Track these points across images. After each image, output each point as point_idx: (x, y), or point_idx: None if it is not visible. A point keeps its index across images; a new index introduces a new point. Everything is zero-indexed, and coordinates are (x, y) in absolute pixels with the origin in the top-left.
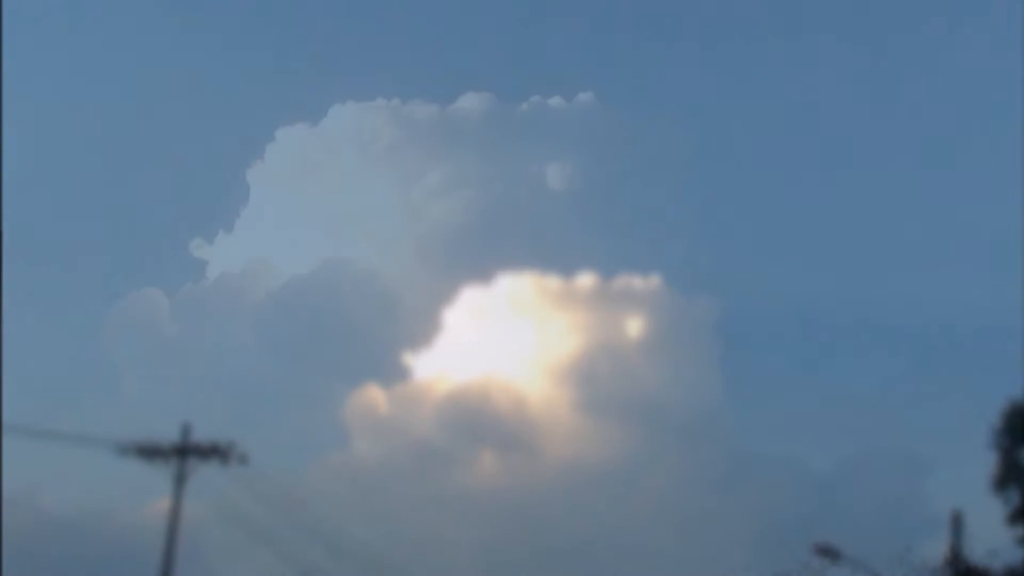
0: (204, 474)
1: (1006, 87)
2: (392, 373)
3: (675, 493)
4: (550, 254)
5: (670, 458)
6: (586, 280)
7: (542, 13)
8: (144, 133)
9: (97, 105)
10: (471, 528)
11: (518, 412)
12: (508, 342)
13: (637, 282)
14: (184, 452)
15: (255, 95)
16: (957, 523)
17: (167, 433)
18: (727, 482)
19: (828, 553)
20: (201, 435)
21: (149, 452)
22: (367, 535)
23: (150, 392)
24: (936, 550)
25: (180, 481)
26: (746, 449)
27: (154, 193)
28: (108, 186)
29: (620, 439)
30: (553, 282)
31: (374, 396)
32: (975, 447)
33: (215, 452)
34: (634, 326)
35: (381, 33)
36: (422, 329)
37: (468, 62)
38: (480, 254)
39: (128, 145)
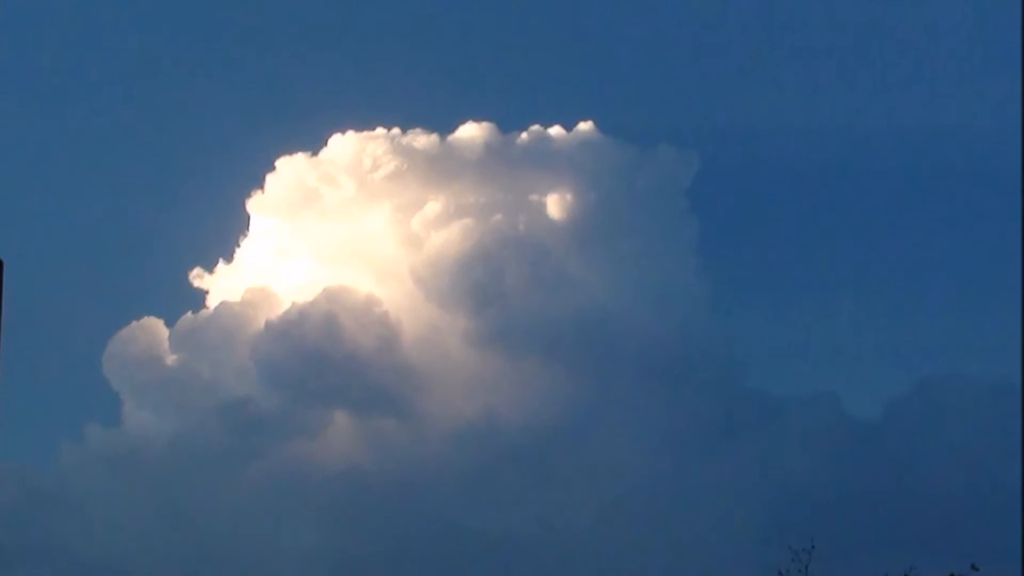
0: None
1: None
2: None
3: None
4: (551, 283)
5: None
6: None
7: (542, 42)
8: (144, 163)
9: (97, 133)
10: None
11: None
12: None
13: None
14: None
15: (255, 125)
16: None
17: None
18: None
19: None
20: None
21: None
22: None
23: (151, 421)
24: None
25: None
26: None
27: (154, 223)
28: (108, 215)
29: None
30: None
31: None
32: None
33: None
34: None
35: (380, 62)
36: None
37: (468, 91)
38: (480, 283)
39: (128, 174)
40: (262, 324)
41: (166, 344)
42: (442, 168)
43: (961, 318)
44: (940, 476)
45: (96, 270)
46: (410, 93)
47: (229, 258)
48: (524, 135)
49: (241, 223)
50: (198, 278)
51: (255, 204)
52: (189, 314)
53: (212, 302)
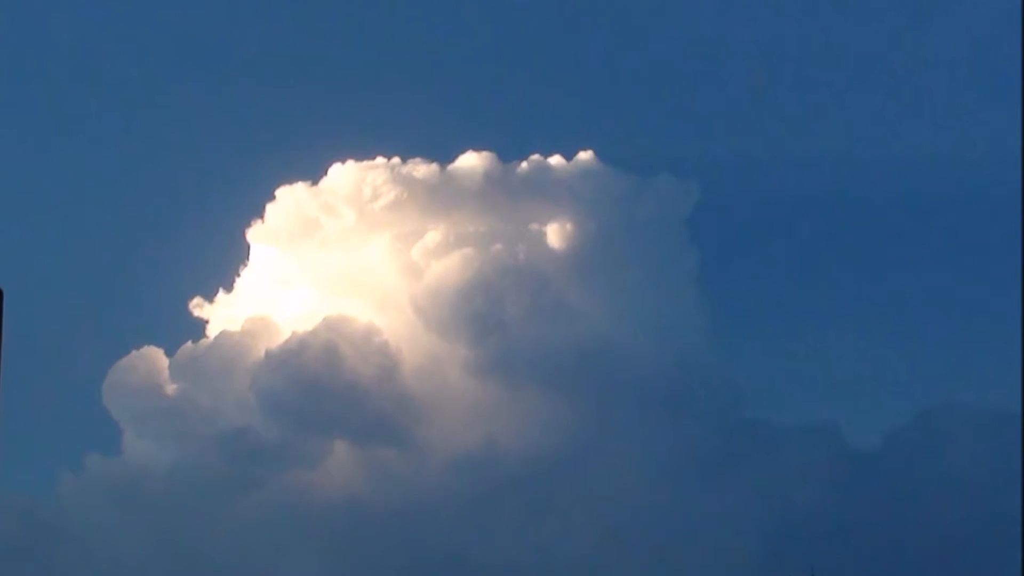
0: None
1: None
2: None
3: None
4: (551, 312)
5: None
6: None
7: (542, 72)
8: (144, 193)
9: (98, 163)
10: None
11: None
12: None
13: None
14: None
15: (255, 155)
16: None
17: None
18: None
19: None
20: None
21: None
22: None
23: (151, 450)
24: None
25: None
26: None
27: (154, 253)
28: (108, 245)
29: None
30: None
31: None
32: None
33: None
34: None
35: (380, 92)
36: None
37: (468, 120)
38: (480, 312)
39: (128, 204)
40: (262, 354)
41: (166, 373)
42: (442, 197)
43: (961, 347)
44: (940, 505)
45: (96, 300)
46: (410, 122)
47: (229, 288)
48: (524, 164)
49: (241, 253)
50: (198, 308)
51: (255, 233)
52: (189, 344)
53: (212, 331)
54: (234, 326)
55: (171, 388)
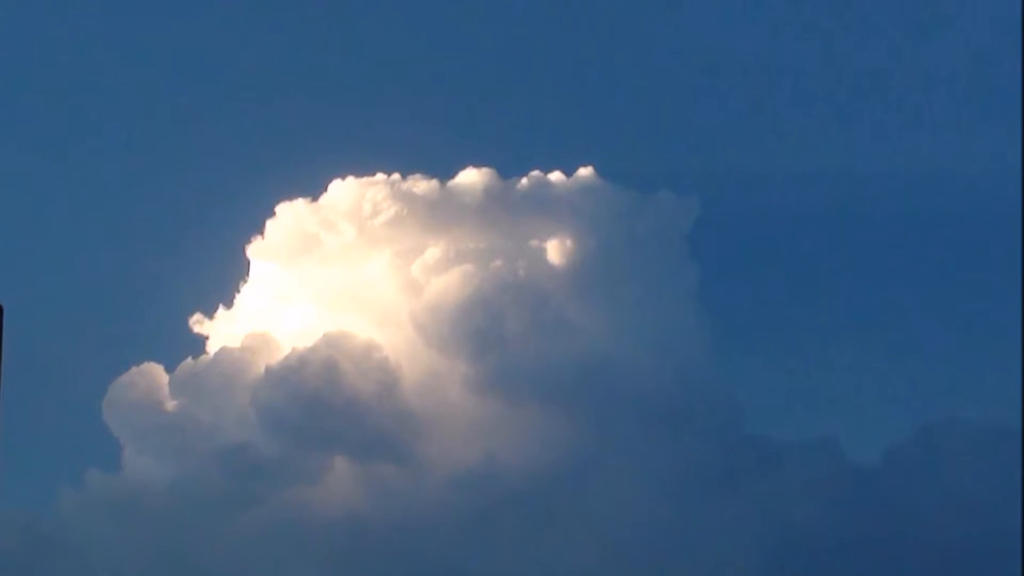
0: None
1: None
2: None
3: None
4: (551, 328)
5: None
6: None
7: (542, 88)
8: (144, 209)
9: (97, 179)
10: None
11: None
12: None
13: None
14: None
15: (255, 171)
16: None
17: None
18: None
19: None
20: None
21: None
22: None
23: (151, 466)
24: None
25: None
26: None
27: (154, 269)
28: (108, 261)
29: None
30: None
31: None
32: None
33: None
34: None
35: (380, 108)
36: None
37: (468, 137)
38: (480, 329)
39: (128, 220)
40: (262, 370)
41: (166, 390)
42: (442, 214)
43: (961, 363)
44: (940, 521)
45: (96, 316)
46: (410, 139)
47: (229, 304)
48: (524, 180)
49: (241, 269)
50: (198, 324)
51: (255, 250)
52: (189, 360)
53: (212, 348)
54: (234, 342)
55: (171, 404)
